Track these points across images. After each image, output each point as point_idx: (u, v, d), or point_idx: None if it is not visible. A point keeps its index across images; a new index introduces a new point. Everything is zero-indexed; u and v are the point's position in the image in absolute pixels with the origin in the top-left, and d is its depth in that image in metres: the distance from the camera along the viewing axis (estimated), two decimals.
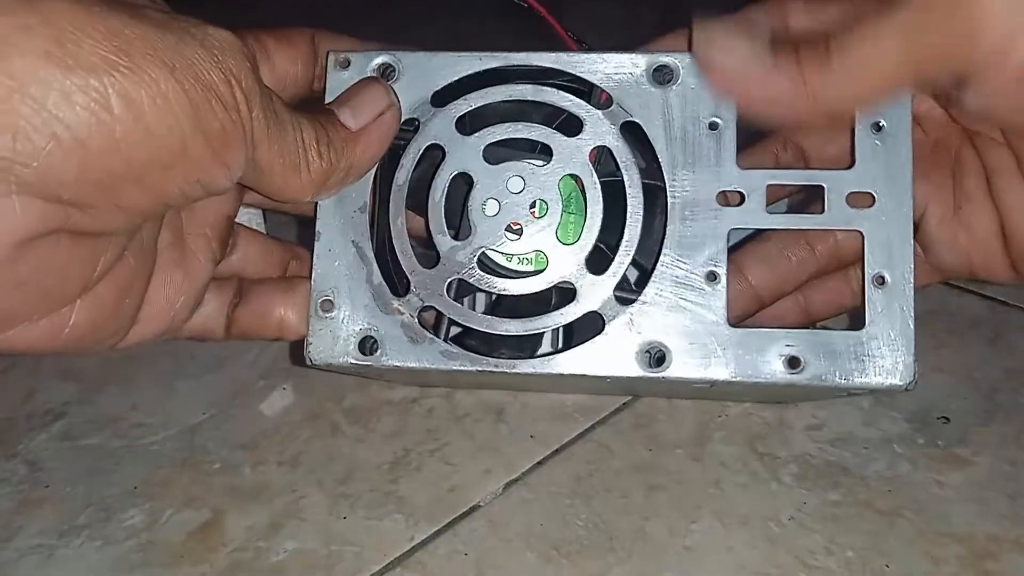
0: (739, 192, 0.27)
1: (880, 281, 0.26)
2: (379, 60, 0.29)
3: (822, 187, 0.26)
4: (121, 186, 0.22)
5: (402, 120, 0.29)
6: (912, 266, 0.26)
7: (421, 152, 0.30)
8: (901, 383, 0.26)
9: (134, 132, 0.21)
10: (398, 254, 0.30)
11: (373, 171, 0.30)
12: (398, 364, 0.29)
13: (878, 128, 0.26)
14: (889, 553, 0.34)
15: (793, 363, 0.26)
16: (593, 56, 0.29)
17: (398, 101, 0.29)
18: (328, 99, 0.29)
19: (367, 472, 0.38)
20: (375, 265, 0.30)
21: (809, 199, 0.28)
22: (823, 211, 0.26)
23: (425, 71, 0.29)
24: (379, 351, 0.29)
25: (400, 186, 0.30)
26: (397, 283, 0.30)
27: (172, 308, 0.28)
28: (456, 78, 0.29)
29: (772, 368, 0.27)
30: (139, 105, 0.21)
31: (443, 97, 0.30)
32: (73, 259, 0.23)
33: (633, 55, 0.29)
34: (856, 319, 0.27)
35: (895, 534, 0.35)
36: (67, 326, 0.24)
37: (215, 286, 0.30)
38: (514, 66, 0.29)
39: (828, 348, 0.26)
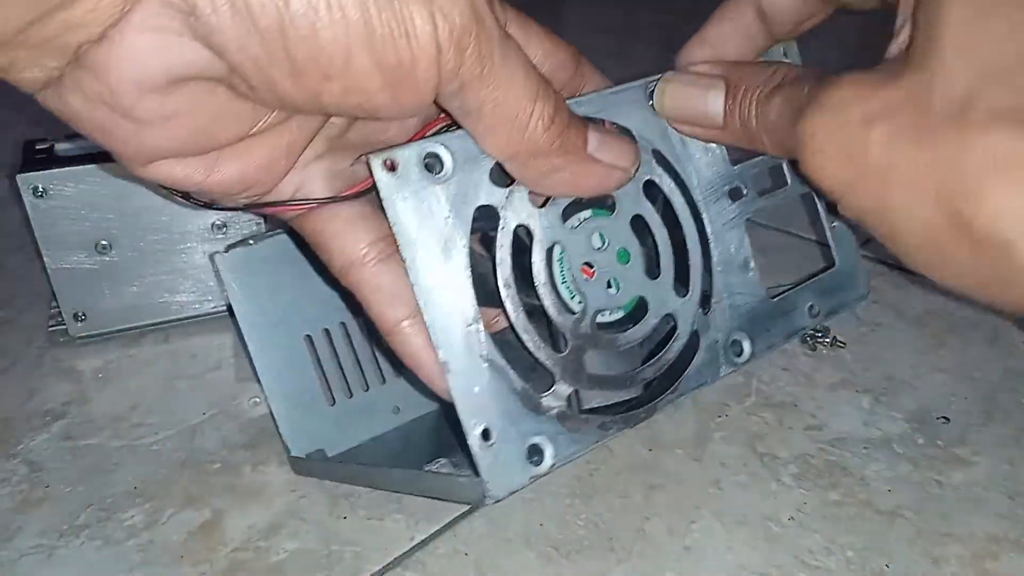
0: (739, 186, 0.31)
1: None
2: (428, 150, 0.26)
3: (781, 163, 0.33)
4: (277, 74, 0.23)
5: (480, 207, 0.27)
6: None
7: (512, 236, 0.28)
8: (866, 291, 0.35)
9: (300, 28, 0.22)
10: (531, 349, 0.28)
11: (468, 279, 0.27)
12: (568, 458, 0.28)
13: None
14: (889, 553, 0.34)
15: (813, 310, 0.33)
16: (610, 96, 0.29)
17: (635, 172, 0.28)
18: (385, 207, 0.26)
19: None
20: (511, 371, 0.27)
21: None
22: (787, 183, 0.33)
23: (476, 152, 0.26)
24: (547, 454, 0.28)
25: (507, 279, 0.28)
26: (538, 379, 0.28)
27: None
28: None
29: (803, 321, 0.33)
30: (315, 6, 0.21)
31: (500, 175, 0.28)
32: (228, 111, 0.24)
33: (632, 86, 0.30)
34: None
35: (895, 534, 0.35)
36: (215, 170, 0.26)
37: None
38: None
39: (827, 288, 0.34)
